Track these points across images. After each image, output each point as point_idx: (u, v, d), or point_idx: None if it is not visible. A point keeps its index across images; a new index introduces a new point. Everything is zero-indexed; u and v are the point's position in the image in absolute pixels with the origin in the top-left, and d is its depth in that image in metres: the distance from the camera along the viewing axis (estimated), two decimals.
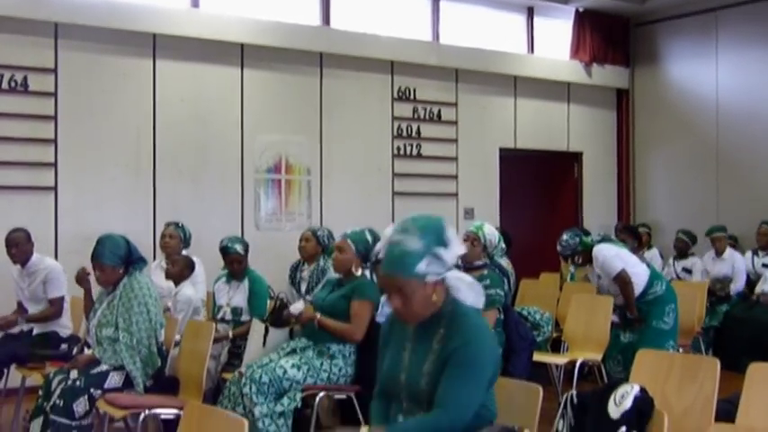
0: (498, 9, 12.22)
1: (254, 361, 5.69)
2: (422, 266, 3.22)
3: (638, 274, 7.24)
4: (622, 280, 7.16)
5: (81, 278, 6.28)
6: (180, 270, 7.04)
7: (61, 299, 7.11)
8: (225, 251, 7.16)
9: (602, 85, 13.06)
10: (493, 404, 3.33)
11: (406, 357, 3.36)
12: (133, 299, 5.54)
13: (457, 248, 3.33)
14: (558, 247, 7.62)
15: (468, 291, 3.35)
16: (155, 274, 7.75)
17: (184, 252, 7.66)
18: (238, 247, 7.07)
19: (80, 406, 5.28)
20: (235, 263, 7.10)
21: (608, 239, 7.65)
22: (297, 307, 6.12)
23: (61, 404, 5.25)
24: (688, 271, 10.76)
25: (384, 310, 7.01)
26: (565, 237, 7.58)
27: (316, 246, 8.12)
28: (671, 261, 11.03)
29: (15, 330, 7.06)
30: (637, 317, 7.15)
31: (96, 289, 6.02)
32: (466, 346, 3.20)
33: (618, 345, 7.27)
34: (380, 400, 3.51)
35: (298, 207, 10.34)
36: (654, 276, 7.31)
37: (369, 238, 5.93)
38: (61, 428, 5.22)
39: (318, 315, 5.73)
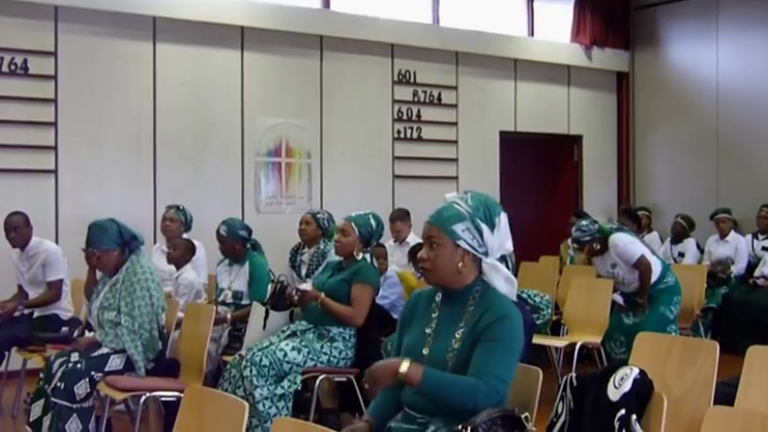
0: None
1: (255, 344, 5.70)
2: (458, 227, 3.33)
3: (653, 263, 7.35)
4: (644, 264, 7.25)
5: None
6: (181, 254, 7.04)
7: (60, 282, 7.11)
8: None
9: (602, 69, 13.05)
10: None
11: (430, 334, 3.38)
12: (135, 283, 5.54)
13: (503, 239, 3.42)
14: (577, 233, 7.48)
15: (504, 283, 3.40)
16: (156, 257, 7.75)
17: (186, 235, 7.67)
18: (221, 229, 7.05)
19: (81, 389, 5.28)
20: (220, 244, 7.10)
21: (622, 230, 7.69)
22: (305, 287, 6.14)
23: (62, 387, 5.26)
24: (682, 255, 10.78)
25: (383, 293, 7.04)
26: (584, 222, 7.55)
27: (316, 229, 8.11)
28: (667, 244, 11.04)
29: (16, 313, 7.07)
30: (645, 303, 7.24)
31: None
32: (500, 321, 3.25)
33: (621, 326, 7.32)
34: None
35: (298, 190, 10.35)
36: (666, 268, 7.44)
37: (372, 222, 5.90)
38: (62, 411, 5.23)
39: (322, 295, 5.73)
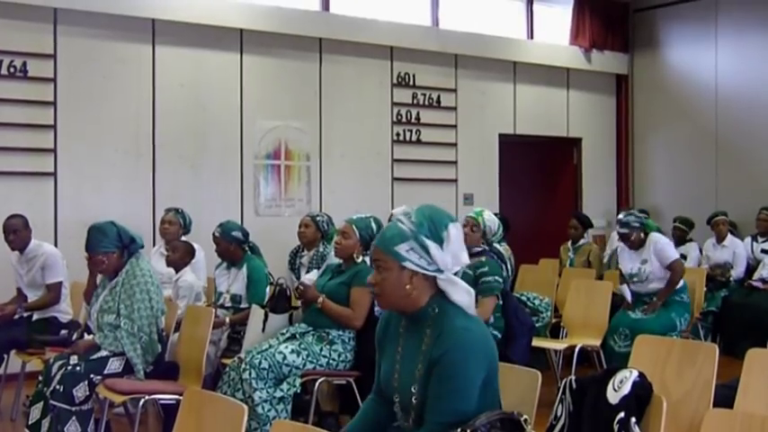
0: None
1: (254, 346, 5.70)
2: (402, 248, 3.13)
3: None
4: (679, 266, 7.71)
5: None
6: (180, 256, 7.03)
7: (59, 284, 7.11)
8: None
9: (601, 71, 13.06)
10: (496, 395, 3.28)
11: (398, 360, 3.26)
12: (135, 286, 5.54)
13: (457, 252, 3.18)
14: (630, 217, 7.82)
15: (465, 295, 3.21)
16: (155, 260, 7.75)
17: (185, 238, 7.67)
18: (216, 231, 7.08)
19: (80, 391, 5.28)
20: (215, 246, 7.10)
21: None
22: (310, 278, 6.12)
23: (61, 390, 5.25)
24: (684, 257, 10.77)
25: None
26: (634, 211, 8.06)
27: (315, 231, 8.10)
28: None
29: (15, 316, 7.06)
30: (658, 303, 7.53)
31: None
32: (449, 353, 3.06)
33: (627, 320, 7.56)
34: (377, 397, 3.46)
35: (297, 193, 10.34)
36: (685, 286, 7.80)
37: (373, 225, 5.90)
38: (61, 414, 5.23)
39: (323, 297, 5.72)
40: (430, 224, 3.15)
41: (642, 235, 7.73)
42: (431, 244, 3.13)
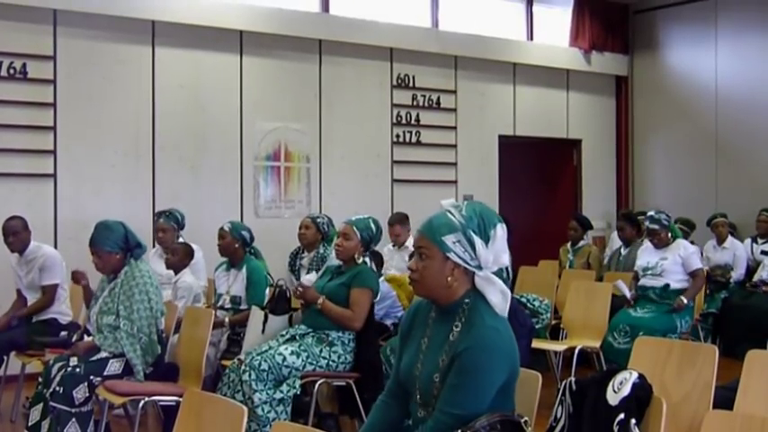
0: None
1: (254, 348, 5.70)
2: (448, 239, 3.16)
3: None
4: (703, 274, 8.20)
5: (76, 279, 6.29)
6: (179, 258, 7.03)
7: (55, 286, 7.09)
8: None
9: (601, 73, 13.06)
10: (511, 399, 3.25)
11: (423, 350, 3.27)
12: (134, 287, 5.54)
13: (499, 252, 3.22)
14: (662, 214, 8.10)
15: (500, 295, 3.22)
16: (154, 262, 7.74)
17: (181, 233, 7.69)
18: (225, 225, 7.07)
19: (80, 393, 5.28)
20: (219, 239, 7.09)
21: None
22: (309, 279, 6.11)
23: (61, 391, 5.25)
24: None
25: (384, 304, 7.03)
26: (664, 210, 8.31)
27: (315, 233, 8.10)
28: None
29: (13, 323, 7.05)
30: (683, 300, 7.73)
31: (96, 279, 6.00)
32: (473, 350, 3.08)
33: (626, 318, 7.66)
34: (390, 398, 3.45)
35: (297, 194, 10.34)
36: None
37: (372, 226, 5.92)
38: (61, 415, 5.23)
39: (323, 298, 5.72)
40: (479, 220, 3.20)
41: (669, 235, 8.01)
42: (477, 240, 3.17)
